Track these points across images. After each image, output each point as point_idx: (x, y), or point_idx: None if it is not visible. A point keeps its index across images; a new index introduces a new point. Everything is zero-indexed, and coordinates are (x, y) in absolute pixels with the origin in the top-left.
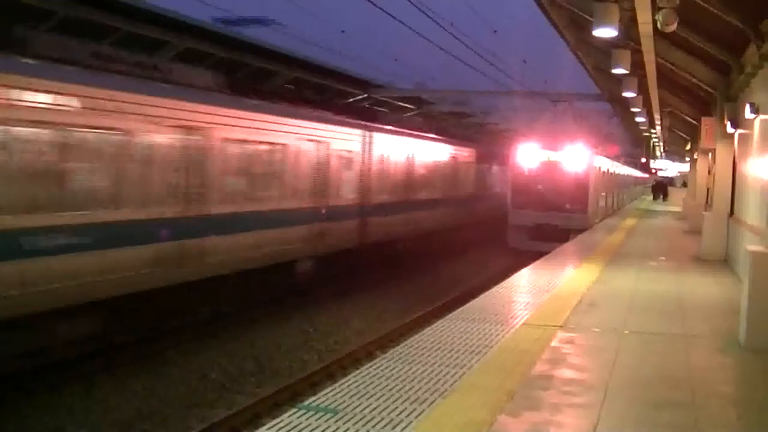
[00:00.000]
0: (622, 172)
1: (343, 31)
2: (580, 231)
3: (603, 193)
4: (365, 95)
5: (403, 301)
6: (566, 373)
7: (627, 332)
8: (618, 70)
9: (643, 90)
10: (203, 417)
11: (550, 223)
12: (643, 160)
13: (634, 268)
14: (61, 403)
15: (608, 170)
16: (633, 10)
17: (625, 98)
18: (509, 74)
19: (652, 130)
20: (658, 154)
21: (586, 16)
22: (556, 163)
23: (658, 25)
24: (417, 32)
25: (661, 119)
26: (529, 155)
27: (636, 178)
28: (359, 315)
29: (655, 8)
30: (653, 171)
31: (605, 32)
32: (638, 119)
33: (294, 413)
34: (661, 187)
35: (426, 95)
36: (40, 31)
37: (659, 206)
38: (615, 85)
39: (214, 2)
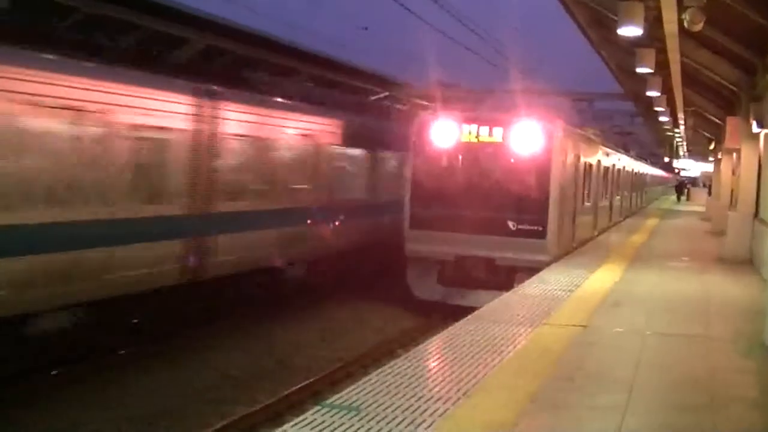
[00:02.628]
0: (641, 171)
1: (365, 28)
2: (535, 270)
3: (586, 198)
4: (386, 93)
5: None
6: (590, 373)
7: (650, 333)
8: (642, 70)
9: (667, 89)
10: (223, 414)
11: (479, 256)
12: (666, 159)
13: (657, 268)
14: (81, 397)
15: (609, 164)
16: (658, 8)
17: (649, 98)
18: (530, 72)
19: (676, 130)
20: (681, 153)
21: (611, 15)
22: (491, 147)
23: (685, 24)
24: (438, 29)
25: (685, 119)
26: (443, 134)
27: (659, 177)
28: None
29: (681, 7)
30: (676, 171)
31: (630, 31)
32: (662, 119)
33: (317, 411)
34: (683, 187)
35: (447, 94)
36: (63, 27)
37: (682, 206)
38: (639, 84)
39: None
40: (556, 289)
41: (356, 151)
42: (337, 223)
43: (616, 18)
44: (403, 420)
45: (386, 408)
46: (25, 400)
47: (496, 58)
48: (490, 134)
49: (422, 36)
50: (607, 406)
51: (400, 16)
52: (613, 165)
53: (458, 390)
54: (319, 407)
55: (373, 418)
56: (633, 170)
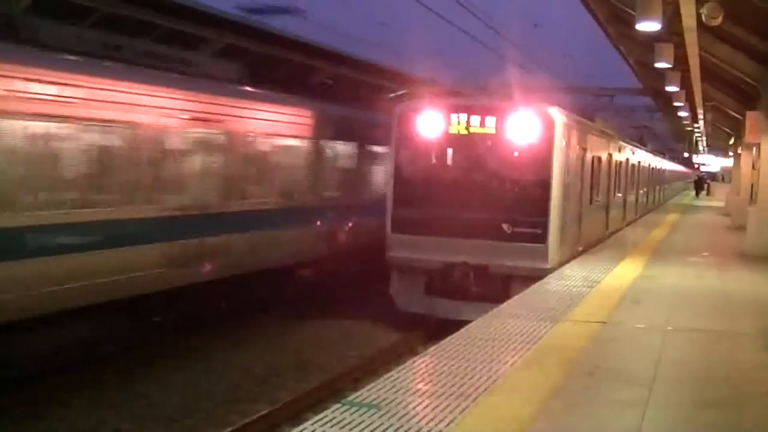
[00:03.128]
0: (660, 166)
1: (382, 24)
2: (533, 279)
3: (595, 196)
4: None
5: None
6: (611, 369)
7: (671, 329)
8: (661, 65)
9: (686, 84)
10: (246, 412)
11: (470, 263)
12: (686, 154)
13: (678, 263)
14: (104, 396)
15: (623, 159)
16: (676, 3)
17: (668, 93)
18: (550, 69)
19: (695, 125)
20: (700, 148)
21: (629, 10)
22: (483, 139)
23: (703, 18)
24: (457, 26)
25: (704, 114)
26: (428, 125)
27: (679, 173)
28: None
29: (699, 1)
30: (696, 166)
31: (648, 26)
32: (681, 114)
33: (337, 409)
34: (702, 183)
35: (467, 91)
36: (82, 27)
37: (702, 201)
38: (658, 79)
39: None
40: (576, 285)
41: (345, 145)
42: (328, 223)
43: (634, 13)
44: (423, 417)
45: (406, 405)
46: (48, 397)
47: (516, 55)
48: (482, 124)
49: (443, 34)
50: (628, 402)
51: (421, 15)
52: (627, 160)
53: (478, 387)
54: (339, 404)
55: (393, 416)
56: (650, 165)
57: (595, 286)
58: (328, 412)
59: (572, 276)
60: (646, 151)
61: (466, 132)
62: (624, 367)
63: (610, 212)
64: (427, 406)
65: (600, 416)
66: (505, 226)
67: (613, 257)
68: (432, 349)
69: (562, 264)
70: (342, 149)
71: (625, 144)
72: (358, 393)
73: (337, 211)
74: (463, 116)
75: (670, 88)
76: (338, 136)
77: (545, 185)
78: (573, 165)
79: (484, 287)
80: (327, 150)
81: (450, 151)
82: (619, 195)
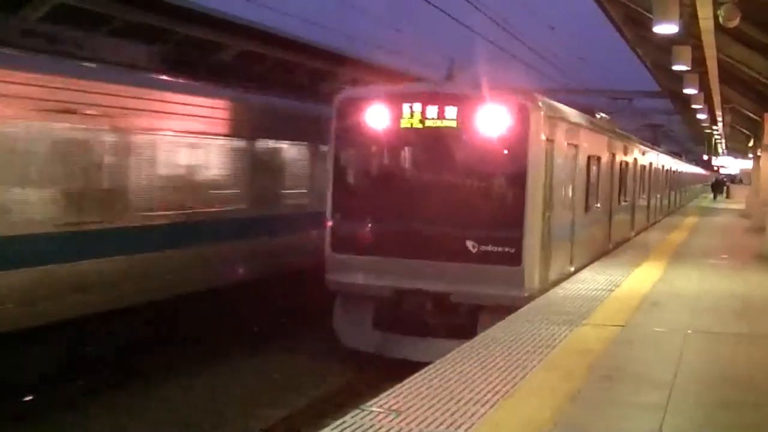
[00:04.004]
0: (677, 168)
1: (398, 30)
2: (507, 309)
3: (593, 203)
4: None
5: None
6: (630, 373)
7: (690, 332)
8: (678, 67)
9: (704, 86)
10: (265, 417)
11: (428, 291)
12: (705, 157)
13: (697, 266)
14: (122, 401)
15: (631, 160)
16: (693, 5)
17: (686, 95)
18: (567, 72)
19: (714, 127)
20: (719, 151)
21: (646, 13)
22: (443, 135)
23: (720, 20)
24: (473, 30)
25: (723, 116)
26: (376, 118)
27: (697, 175)
28: None
29: (717, 3)
30: (715, 168)
31: (665, 28)
32: (699, 116)
33: (356, 414)
34: (720, 185)
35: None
36: (99, 34)
37: (721, 204)
38: (675, 82)
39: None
40: (594, 289)
41: (274, 144)
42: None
43: (651, 15)
44: (442, 422)
45: (425, 410)
46: (65, 402)
47: (532, 59)
48: (441, 116)
49: (459, 39)
50: (647, 405)
51: (436, 18)
52: (636, 161)
53: (497, 392)
54: (359, 410)
55: (412, 421)
56: (663, 167)
57: (614, 290)
58: (347, 417)
59: (590, 279)
60: (660, 151)
61: (421, 126)
62: (643, 371)
63: (614, 221)
64: (446, 411)
65: (619, 420)
66: (469, 244)
67: (632, 261)
68: (450, 354)
69: (545, 290)
70: (278, 149)
71: (633, 143)
72: (378, 398)
73: (264, 224)
74: (418, 106)
75: (688, 91)
76: (276, 134)
77: (519, 191)
78: (559, 166)
79: (444, 320)
80: (254, 150)
81: (402, 150)
82: (626, 201)
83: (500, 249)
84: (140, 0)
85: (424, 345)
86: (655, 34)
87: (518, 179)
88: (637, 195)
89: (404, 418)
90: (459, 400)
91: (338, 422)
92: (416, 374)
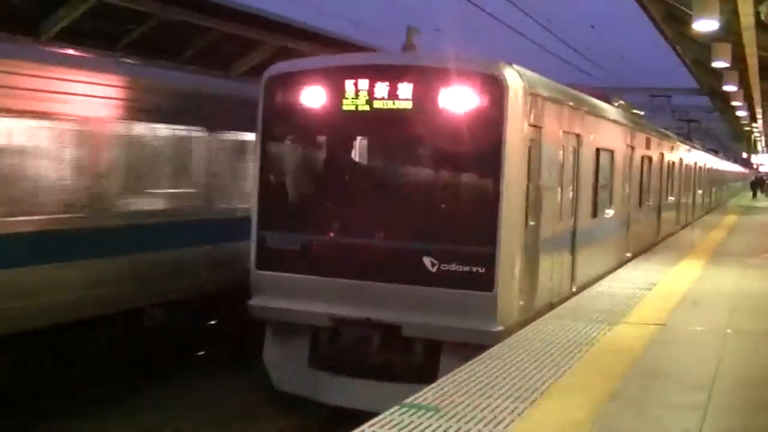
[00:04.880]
0: (713, 166)
1: (437, 30)
2: (478, 348)
3: (603, 206)
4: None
5: None
6: (669, 372)
7: (730, 331)
8: (718, 64)
9: (743, 83)
10: (303, 411)
11: (374, 321)
12: (744, 155)
13: (737, 265)
14: (151, 399)
15: (656, 155)
16: (734, 2)
17: (725, 92)
18: (606, 69)
19: (753, 125)
20: (759, 148)
21: (685, 9)
22: (394, 120)
23: (761, 17)
24: (514, 29)
25: (763, 113)
26: (312, 98)
27: (736, 173)
28: None
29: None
30: (755, 166)
31: (705, 25)
32: (739, 113)
33: (396, 411)
34: (759, 183)
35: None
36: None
37: (761, 202)
38: (715, 79)
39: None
40: (632, 287)
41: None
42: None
43: (690, 12)
44: (481, 419)
45: (465, 407)
46: (101, 401)
47: (572, 56)
48: (393, 95)
49: (497, 36)
50: (687, 405)
51: (475, 16)
52: (663, 156)
53: (535, 389)
54: (398, 407)
55: (451, 418)
56: (697, 164)
57: (652, 288)
58: (386, 414)
59: (628, 278)
60: (696, 148)
61: (368, 108)
62: (683, 370)
63: (634, 226)
64: (485, 408)
65: (659, 419)
66: (427, 262)
67: (670, 259)
68: (488, 351)
69: (529, 320)
70: (185, 138)
71: (660, 136)
72: (418, 395)
73: (165, 231)
74: (364, 83)
75: (727, 88)
76: (185, 118)
77: (491, 194)
78: (553, 161)
79: (396, 359)
80: (147, 139)
81: (344, 140)
82: (650, 203)
83: (467, 268)
84: None
85: (368, 390)
86: (695, 31)
87: (490, 178)
88: (664, 194)
89: (443, 415)
90: (498, 397)
91: (377, 419)
92: (455, 370)
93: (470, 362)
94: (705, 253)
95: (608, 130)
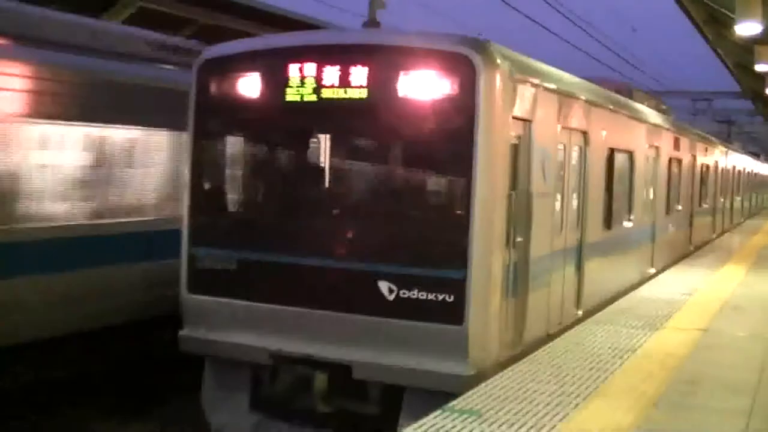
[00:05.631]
0: (756, 170)
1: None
2: (446, 395)
3: (613, 216)
4: None
5: None
6: (712, 377)
7: None
8: (761, 67)
9: None
10: None
11: (320, 359)
12: None
13: None
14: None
15: (687, 158)
16: None
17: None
18: (648, 73)
19: None
20: None
21: (727, 12)
22: (346, 113)
23: None
24: (551, 31)
25: None
26: (250, 87)
27: None
28: None
29: None
30: None
31: (748, 28)
32: None
33: (439, 415)
34: None
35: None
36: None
37: None
38: (758, 82)
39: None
40: (674, 292)
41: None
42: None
43: (732, 15)
44: (524, 424)
45: (507, 412)
46: (147, 395)
47: (612, 59)
48: (345, 82)
49: (539, 40)
50: (731, 410)
51: (517, 20)
52: (695, 159)
53: (578, 394)
54: (440, 411)
55: (494, 422)
56: (736, 168)
57: (693, 294)
58: (428, 418)
59: (669, 283)
60: (731, 149)
61: (315, 98)
62: (726, 375)
63: (659, 238)
64: (528, 412)
65: (703, 425)
66: (383, 287)
67: (711, 265)
68: (532, 356)
69: (516, 357)
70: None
71: (690, 135)
72: (460, 399)
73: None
74: (310, 68)
75: None
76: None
77: (461, 203)
78: (547, 163)
79: (346, 403)
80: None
81: (287, 138)
82: (680, 209)
83: (431, 296)
84: None
85: None
86: (737, 34)
87: (459, 183)
88: (697, 200)
89: (485, 419)
90: (540, 402)
91: (419, 423)
92: (497, 375)
93: (513, 365)
94: (746, 258)
95: (626, 128)
